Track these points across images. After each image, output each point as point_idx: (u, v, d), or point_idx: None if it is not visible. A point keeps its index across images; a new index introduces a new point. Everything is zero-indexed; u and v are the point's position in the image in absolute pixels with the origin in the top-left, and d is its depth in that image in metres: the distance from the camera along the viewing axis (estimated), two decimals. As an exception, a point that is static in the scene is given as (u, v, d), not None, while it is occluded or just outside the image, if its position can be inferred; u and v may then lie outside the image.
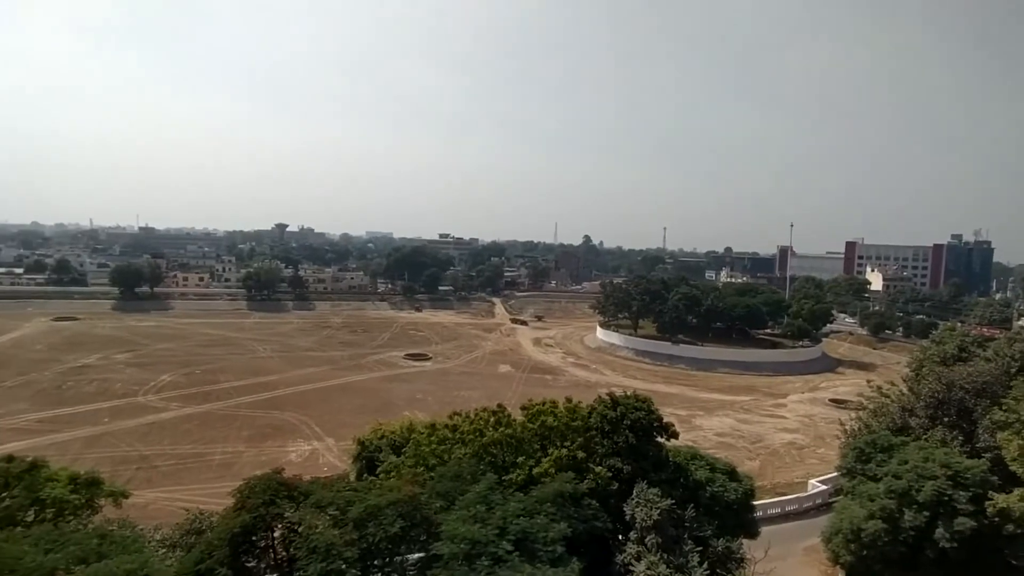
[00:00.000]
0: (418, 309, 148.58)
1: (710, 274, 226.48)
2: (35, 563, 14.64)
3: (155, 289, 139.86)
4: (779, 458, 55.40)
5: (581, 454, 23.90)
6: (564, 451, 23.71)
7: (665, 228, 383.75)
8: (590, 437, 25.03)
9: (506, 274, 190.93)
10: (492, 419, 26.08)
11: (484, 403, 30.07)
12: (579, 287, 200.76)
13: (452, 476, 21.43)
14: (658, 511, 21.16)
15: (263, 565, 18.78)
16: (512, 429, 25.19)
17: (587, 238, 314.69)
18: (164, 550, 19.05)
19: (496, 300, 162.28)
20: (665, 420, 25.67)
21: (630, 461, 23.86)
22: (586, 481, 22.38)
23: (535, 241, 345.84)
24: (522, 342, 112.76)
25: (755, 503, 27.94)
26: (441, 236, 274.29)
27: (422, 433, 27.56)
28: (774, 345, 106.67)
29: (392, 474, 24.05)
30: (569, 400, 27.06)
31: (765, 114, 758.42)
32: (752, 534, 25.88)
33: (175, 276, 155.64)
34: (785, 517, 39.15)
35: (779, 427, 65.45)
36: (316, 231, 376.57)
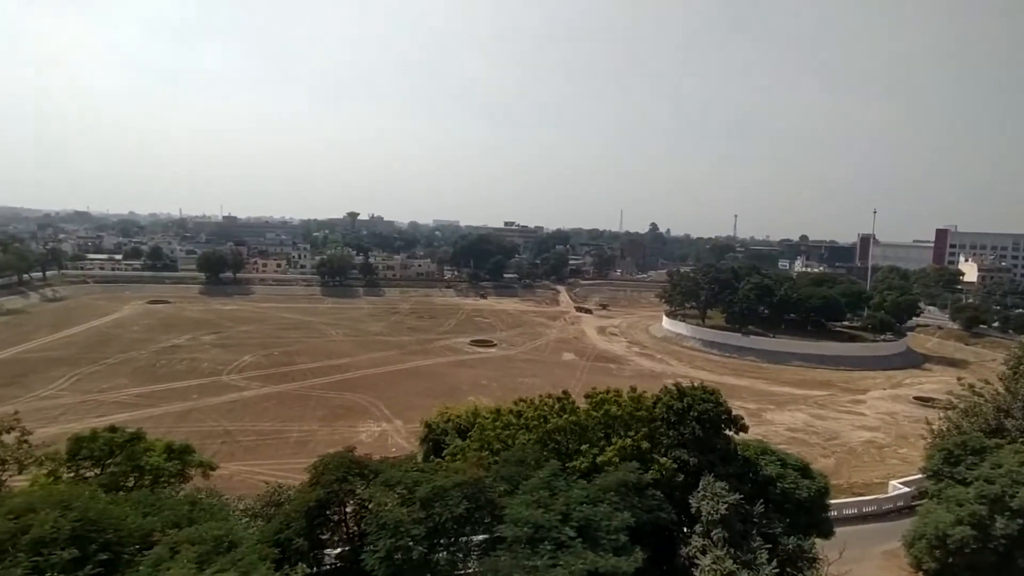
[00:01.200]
0: (483, 296, 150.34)
1: (784, 263, 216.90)
2: (135, 525, 16.01)
3: (237, 275, 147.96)
4: (856, 457, 52.77)
5: (646, 444, 23.68)
6: (628, 440, 23.56)
7: (736, 216, 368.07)
8: (655, 428, 24.74)
9: (571, 262, 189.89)
10: (556, 406, 26.23)
11: (548, 390, 30.23)
12: (645, 276, 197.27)
13: (516, 461, 21.74)
14: (725, 505, 20.70)
15: (336, 538, 19.76)
16: (576, 417, 25.24)
17: (653, 226, 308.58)
18: (247, 519, 20.27)
19: (560, 288, 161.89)
20: (734, 413, 25.00)
21: (696, 453, 23.42)
22: (650, 472, 22.16)
23: (600, 229, 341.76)
24: (586, 330, 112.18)
25: (829, 502, 26.79)
26: (506, 224, 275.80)
27: (487, 418, 28.05)
28: (852, 338, 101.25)
29: (458, 457, 24.64)
30: (634, 389, 26.82)
31: (842, 97, 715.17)
32: (826, 534, 24.87)
33: (255, 262, 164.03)
34: (863, 519, 37.32)
35: (857, 424, 62.27)
36: (386, 219, 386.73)
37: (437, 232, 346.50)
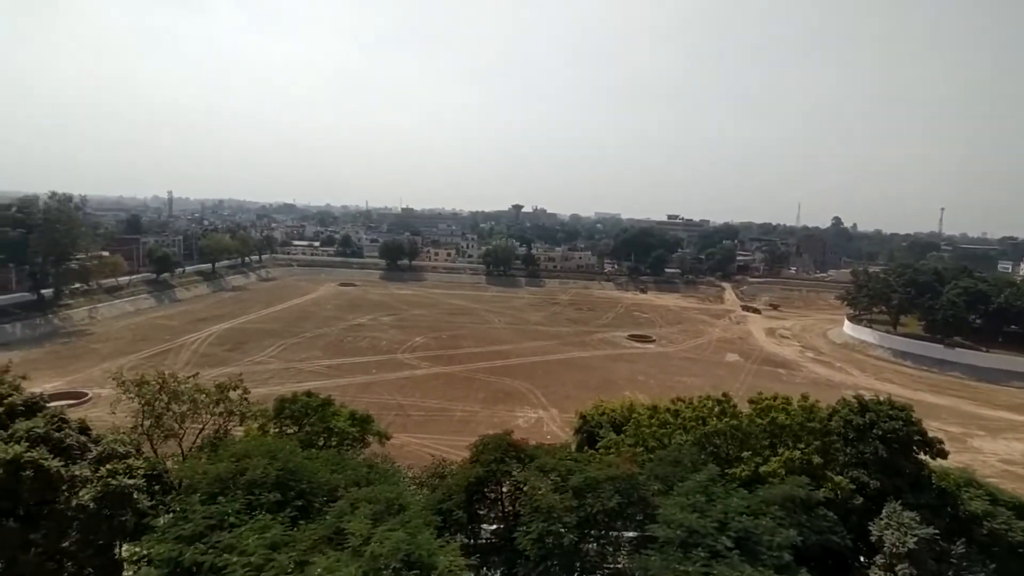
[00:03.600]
0: (643, 291, 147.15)
1: (1004, 265, 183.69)
2: (324, 479, 18.28)
3: (412, 262, 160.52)
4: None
5: (817, 459, 21.69)
6: (797, 453, 21.75)
7: (943, 209, 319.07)
8: (829, 442, 22.57)
9: (738, 258, 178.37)
10: (716, 408, 25.02)
11: (707, 391, 28.93)
12: (824, 275, 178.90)
13: (672, 461, 21.16)
14: (914, 538, 18.28)
15: (492, 514, 20.80)
16: (738, 421, 23.86)
17: (836, 220, 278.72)
18: (414, 486, 22.11)
19: (726, 285, 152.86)
20: (930, 435, 21.95)
21: (879, 476, 20.96)
22: (822, 490, 20.29)
23: (773, 223, 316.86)
24: (753, 331, 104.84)
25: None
26: (669, 217, 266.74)
27: (642, 414, 27.59)
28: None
29: (611, 451, 24.57)
30: (805, 398, 24.65)
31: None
32: (1047, 588, 20.91)
33: (428, 251, 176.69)
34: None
35: (1102, 464, 51.09)
36: (548, 212, 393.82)
37: (598, 225, 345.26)
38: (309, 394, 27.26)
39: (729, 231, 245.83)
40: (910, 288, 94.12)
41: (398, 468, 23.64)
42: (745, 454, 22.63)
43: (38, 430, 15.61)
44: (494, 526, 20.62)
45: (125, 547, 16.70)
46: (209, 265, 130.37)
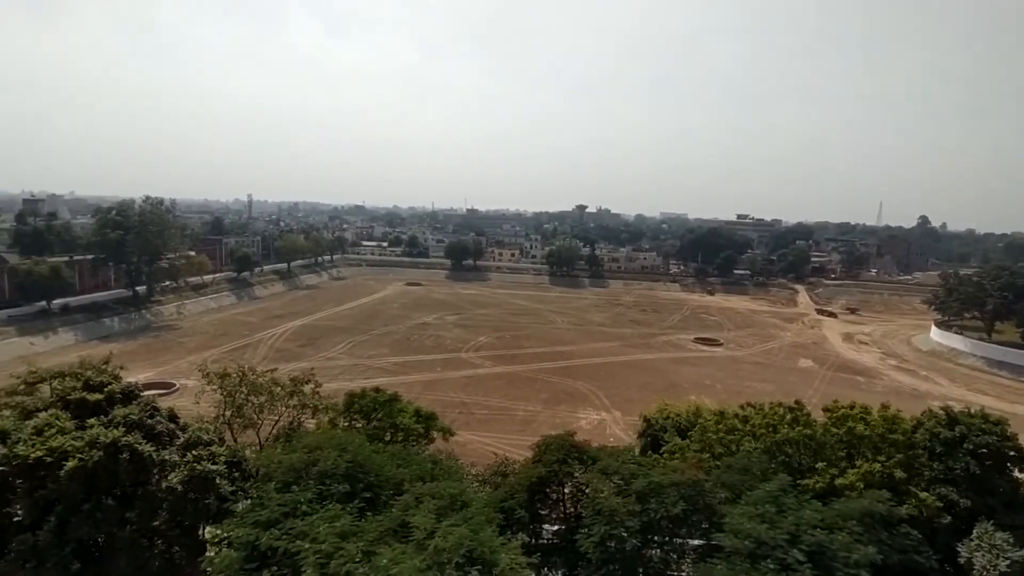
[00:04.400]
0: (710, 292, 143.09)
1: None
2: (391, 473, 18.80)
3: (477, 262, 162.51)
4: None
5: (899, 473, 20.45)
6: (877, 466, 20.58)
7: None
8: (913, 456, 21.23)
9: (813, 259, 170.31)
10: (788, 416, 24.01)
11: (778, 398, 27.80)
12: (908, 277, 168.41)
13: (740, 468, 20.49)
14: (1007, 561, 16.99)
15: (553, 515, 20.79)
16: (811, 430, 22.82)
17: (923, 219, 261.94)
18: (477, 483, 22.41)
19: (799, 287, 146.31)
20: (1029, 451, 20.29)
21: (969, 493, 19.55)
22: (905, 506, 19.10)
23: (852, 223, 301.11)
24: (828, 336, 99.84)
25: None
26: (739, 217, 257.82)
27: (709, 419, 26.84)
28: None
29: (676, 455, 24.06)
30: (886, 407, 23.29)
31: None
32: None
33: (492, 251, 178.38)
34: None
35: None
36: (612, 212, 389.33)
37: (664, 225, 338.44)
38: (377, 390, 28.11)
39: (803, 231, 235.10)
40: (1007, 292, 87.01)
41: (461, 465, 23.99)
42: (819, 465, 21.62)
43: (133, 417, 16.85)
44: (555, 527, 20.60)
45: (208, 529, 17.77)
46: (285, 264, 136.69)
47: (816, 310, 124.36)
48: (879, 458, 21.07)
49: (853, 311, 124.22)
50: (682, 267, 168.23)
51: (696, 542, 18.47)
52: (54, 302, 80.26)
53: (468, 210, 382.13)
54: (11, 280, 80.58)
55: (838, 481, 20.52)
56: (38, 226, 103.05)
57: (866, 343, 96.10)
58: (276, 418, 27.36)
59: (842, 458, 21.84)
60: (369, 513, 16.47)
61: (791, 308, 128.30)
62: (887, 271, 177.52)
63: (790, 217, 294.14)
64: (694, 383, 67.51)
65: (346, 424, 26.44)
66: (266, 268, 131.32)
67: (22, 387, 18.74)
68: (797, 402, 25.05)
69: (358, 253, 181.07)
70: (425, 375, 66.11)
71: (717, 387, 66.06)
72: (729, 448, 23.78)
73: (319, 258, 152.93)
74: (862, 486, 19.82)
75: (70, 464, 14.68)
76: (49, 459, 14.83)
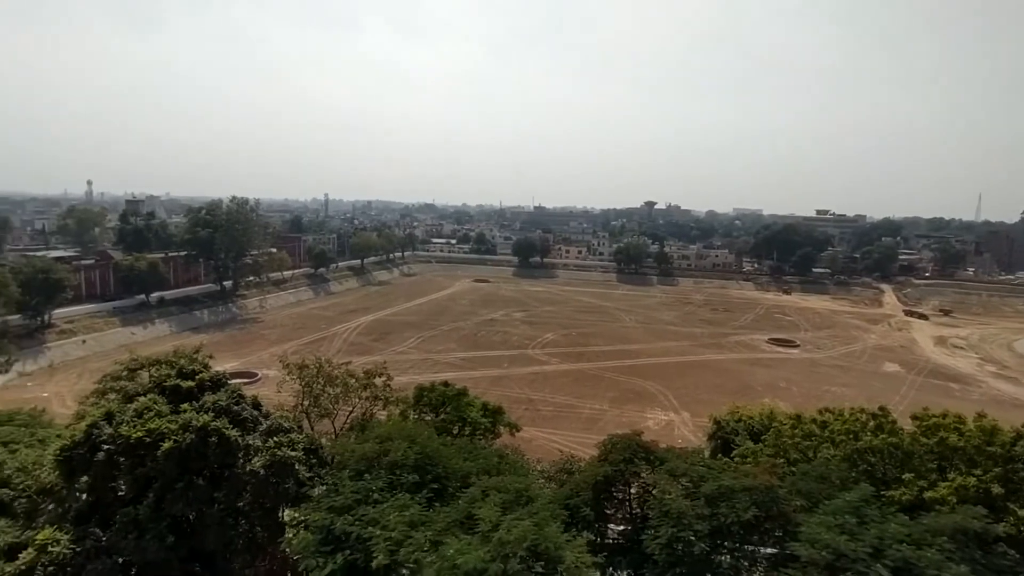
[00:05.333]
0: (786, 292, 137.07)
1: None
2: (458, 466, 19.17)
3: (544, 259, 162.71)
4: None
5: (997, 489, 18.92)
6: (972, 480, 19.13)
7: None
8: (1013, 470, 19.58)
9: (901, 257, 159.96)
10: (872, 423, 22.74)
11: (860, 403, 26.37)
12: (1010, 277, 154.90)
13: (817, 476, 19.57)
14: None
15: (619, 515, 20.58)
16: (898, 439, 21.49)
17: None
18: (542, 480, 22.50)
19: (885, 287, 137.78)
20: None
21: (1081, 514, 17.84)
22: (1003, 524, 17.66)
23: (945, 218, 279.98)
24: (918, 339, 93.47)
25: None
26: (818, 212, 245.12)
27: (784, 423, 25.78)
28: None
29: (748, 460, 23.27)
30: (983, 417, 21.61)
31: None
32: None
33: (559, 248, 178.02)
34: None
35: None
36: (682, 208, 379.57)
37: (737, 221, 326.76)
38: (445, 384, 28.74)
39: (890, 227, 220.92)
40: None
41: (527, 461, 24.15)
42: (906, 476, 20.32)
43: (221, 403, 17.97)
44: (621, 527, 20.39)
45: (287, 512, 18.73)
46: (358, 261, 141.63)
47: (904, 311, 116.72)
48: (974, 471, 19.59)
49: (946, 313, 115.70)
50: (756, 265, 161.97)
51: (769, 550, 17.81)
52: (151, 295, 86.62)
53: (535, 207, 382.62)
54: (115, 274, 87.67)
55: (927, 494, 19.23)
56: (138, 225, 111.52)
57: (961, 347, 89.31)
58: (350, 409, 28.47)
59: (932, 470, 20.45)
60: (436, 504, 16.88)
61: (876, 309, 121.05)
62: (986, 270, 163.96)
63: (875, 212, 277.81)
64: (768, 385, 64.97)
65: (416, 417, 27.16)
66: (341, 264, 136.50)
67: (125, 373, 20.36)
68: (882, 408, 23.68)
69: (428, 250, 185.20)
70: (492, 371, 66.84)
71: (793, 390, 63.32)
72: (805, 454, 22.77)
73: (391, 255, 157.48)
74: (955, 501, 18.49)
75: (166, 445, 15.86)
76: (148, 440, 16.07)
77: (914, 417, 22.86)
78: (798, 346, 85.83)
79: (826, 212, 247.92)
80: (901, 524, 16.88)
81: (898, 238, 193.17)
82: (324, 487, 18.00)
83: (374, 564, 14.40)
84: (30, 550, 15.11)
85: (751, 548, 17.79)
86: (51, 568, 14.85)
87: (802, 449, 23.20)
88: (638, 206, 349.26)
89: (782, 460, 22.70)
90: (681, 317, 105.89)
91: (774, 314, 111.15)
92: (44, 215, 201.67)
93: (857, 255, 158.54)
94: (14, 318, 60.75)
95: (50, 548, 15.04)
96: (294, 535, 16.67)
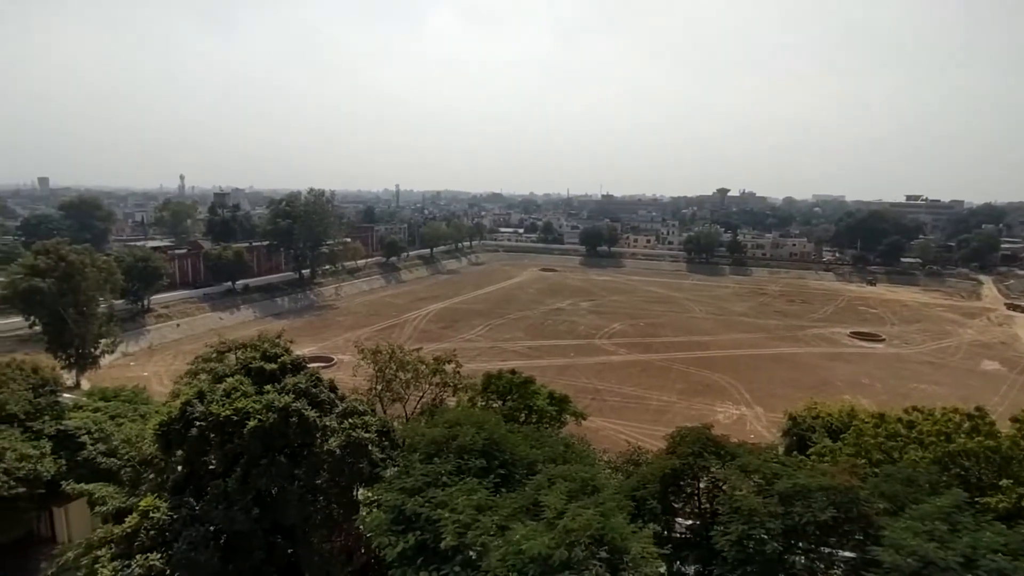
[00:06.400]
0: (871, 283, 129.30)
1: None
2: (524, 453, 19.37)
3: (611, 248, 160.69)
4: None
5: (1114, 500, 17.31)
6: (1083, 489, 17.58)
7: None
8: None
9: (1004, 246, 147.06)
10: (966, 424, 21.25)
11: (953, 403, 24.60)
12: None
13: (903, 479, 18.50)
14: None
15: (687, 509, 20.24)
16: (996, 442, 19.98)
17: None
18: (608, 470, 22.41)
19: (985, 279, 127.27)
20: None
21: None
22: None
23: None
24: (1022, 335, 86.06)
25: None
26: (908, 198, 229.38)
27: (867, 422, 24.48)
28: None
29: (826, 458, 22.29)
30: (1098, 422, 19.74)
31: None
32: None
33: (627, 238, 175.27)
34: None
35: None
36: (758, 195, 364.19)
37: (816, 208, 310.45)
38: (513, 372, 29.03)
39: (992, 213, 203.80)
40: None
41: (593, 450, 24.10)
42: (1004, 482, 18.89)
43: (301, 385, 18.94)
44: (689, 521, 20.06)
45: (361, 491, 19.57)
46: (428, 250, 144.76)
47: (1006, 305, 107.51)
48: (1085, 480, 17.98)
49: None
50: (837, 254, 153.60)
51: (848, 554, 17.06)
52: (237, 282, 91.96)
53: (603, 196, 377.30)
54: (205, 263, 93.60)
55: (1029, 502, 17.83)
56: (225, 216, 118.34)
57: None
58: (420, 394, 29.28)
59: (1035, 476, 18.92)
60: (503, 489, 17.16)
61: (973, 302, 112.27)
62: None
63: (974, 198, 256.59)
64: (849, 381, 61.76)
65: (483, 403, 27.62)
66: (411, 253, 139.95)
67: (214, 355, 21.82)
68: (978, 409, 22.07)
69: (495, 239, 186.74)
70: (558, 360, 66.90)
71: (876, 387, 59.94)
72: (890, 455, 21.57)
73: (459, 244, 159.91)
74: (1061, 511, 17.06)
75: (251, 423, 16.92)
76: (235, 418, 17.19)
77: (1014, 419, 21.19)
78: (883, 340, 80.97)
79: (917, 198, 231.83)
80: (997, 533, 15.77)
81: (1001, 225, 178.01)
82: (395, 469, 18.65)
83: (443, 545, 14.85)
84: (135, 515, 16.55)
85: (828, 550, 17.10)
86: (152, 532, 16.21)
87: (886, 450, 22.00)
88: (710, 194, 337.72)
89: (863, 461, 21.59)
90: (755, 308, 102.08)
91: (857, 306, 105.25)
92: (143, 208, 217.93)
93: (952, 244, 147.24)
94: (119, 303, 66.00)
95: (151, 514, 16.42)
96: (367, 513, 17.40)
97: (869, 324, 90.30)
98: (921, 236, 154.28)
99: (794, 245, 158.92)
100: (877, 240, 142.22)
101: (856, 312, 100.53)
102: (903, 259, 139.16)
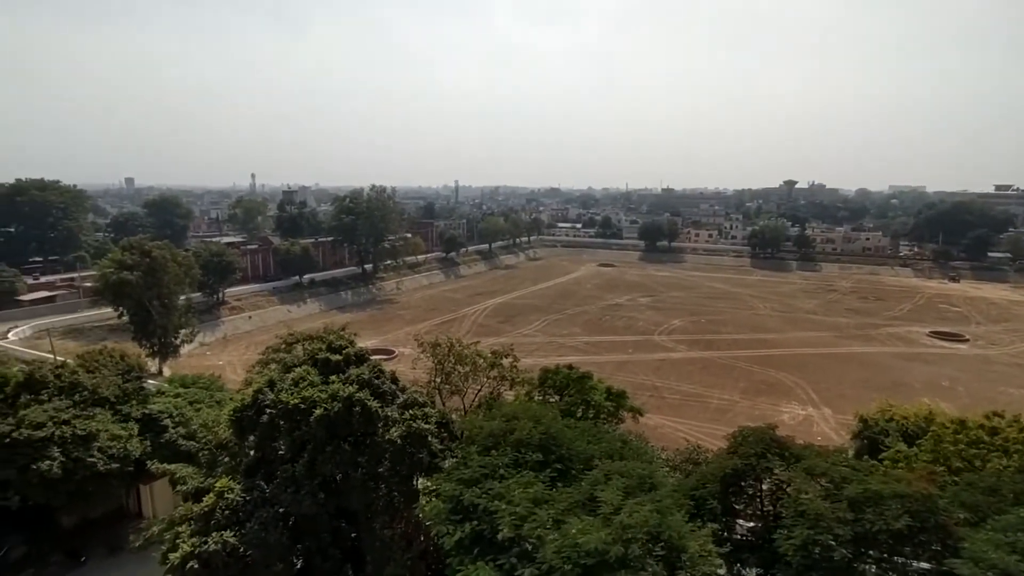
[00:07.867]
0: (954, 279, 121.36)
1: None
2: (581, 448, 19.39)
3: (672, 243, 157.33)
4: None
5: None
6: None
7: None
8: None
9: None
10: (1059, 432, 19.76)
11: (1047, 410, 22.92)
12: None
13: (986, 488, 17.43)
14: None
15: (749, 511, 19.72)
16: (1094, 453, 18.52)
17: None
18: (666, 468, 22.10)
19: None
20: None
21: None
22: None
23: None
24: None
25: None
26: (998, 188, 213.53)
27: (946, 427, 23.16)
28: None
29: (900, 464, 21.25)
30: None
31: None
32: None
33: (688, 232, 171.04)
34: None
35: None
36: (828, 187, 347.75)
37: (893, 200, 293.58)
38: (570, 367, 29.07)
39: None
40: None
41: (651, 447, 23.83)
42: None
43: (364, 376, 19.58)
44: (751, 523, 19.55)
45: (420, 480, 20.08)
46: (486, 245, 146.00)
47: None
48: None
49: None
50: (916, 249, 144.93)
51: (923, 564, 16.24)
52: (304, 277, 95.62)
53: (663, 190, 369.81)
54: (274, 258, 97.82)
55: None
56: (292, 213, 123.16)
57: None
58: (478, 387, 29.74)
59: None
60: (559, 484, 17.24)
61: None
62: None
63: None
64: (926, 383, 58.29)
65: (540, 398, 27.78)
66: (470, 249, 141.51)
67: (283, 346, 22.90)
68: (1073, 416, 20.48)
69: (553, 234, 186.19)
70: (616, 356, 66.23)
71: (958, 390, 56.32)
72: (971, 463, 20.37)
73: (517, 239, 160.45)
74: None
75: (318, 412, 17.64)
76: (303, 406, 17.97)
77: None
78: (967, 340, 75.92)
79: (1007, 188, 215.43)
80: (1091, 549, 14.64)
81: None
82: (454, 460, 19.05)
83: (499, 536, 15.08)
84: (211, 495, 17.59)
85: (901, 560, 16.32)
86: (227, 512, 17.19)
87: (967, 457, 20.78)
88: (776, 186, 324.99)
89: (942, 468, 20.48)
90: (823, 305, 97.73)
91: (937, 304, 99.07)
92: (217, 205, 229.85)
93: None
94: (196, 296, 69.83)
95: (226, 495, 17.42)
96: (427, 502, 17.86)
97: (951, 323, 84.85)
98: (1012, 229, 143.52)
99: (867, 239, 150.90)
100: (961, 233, 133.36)
101: (936, 310, 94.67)
102: (990, 254, 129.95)
